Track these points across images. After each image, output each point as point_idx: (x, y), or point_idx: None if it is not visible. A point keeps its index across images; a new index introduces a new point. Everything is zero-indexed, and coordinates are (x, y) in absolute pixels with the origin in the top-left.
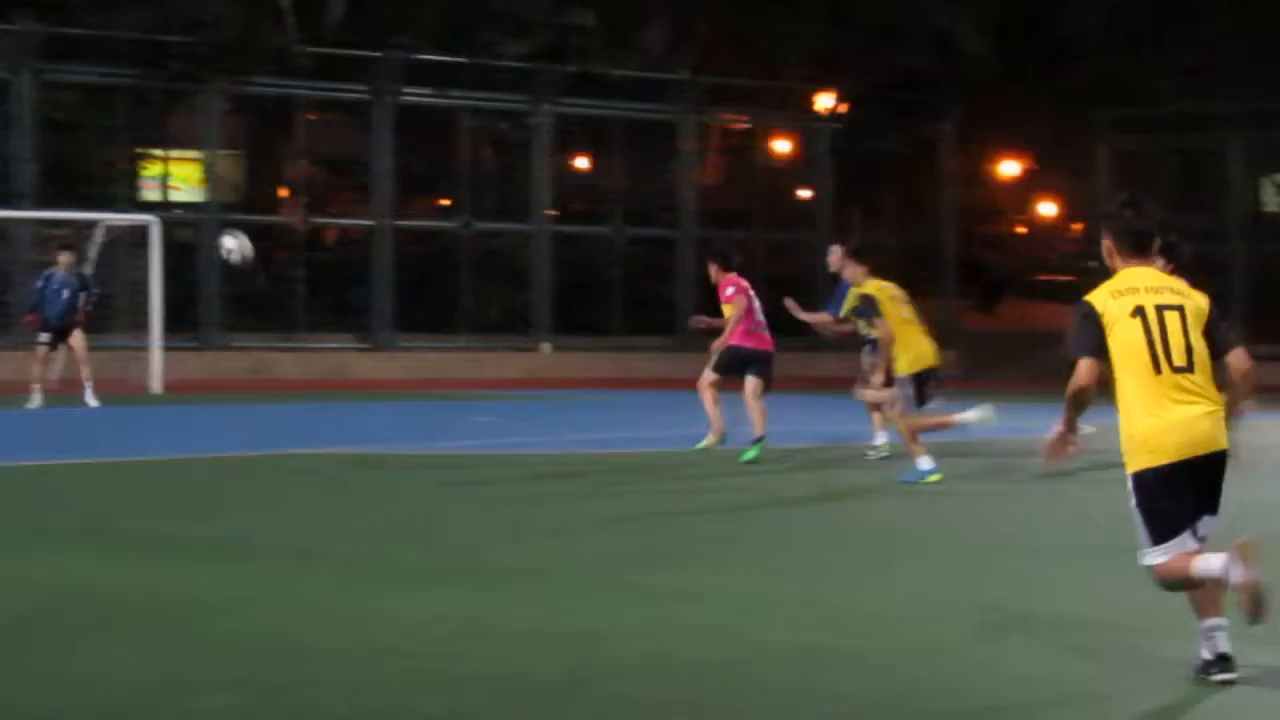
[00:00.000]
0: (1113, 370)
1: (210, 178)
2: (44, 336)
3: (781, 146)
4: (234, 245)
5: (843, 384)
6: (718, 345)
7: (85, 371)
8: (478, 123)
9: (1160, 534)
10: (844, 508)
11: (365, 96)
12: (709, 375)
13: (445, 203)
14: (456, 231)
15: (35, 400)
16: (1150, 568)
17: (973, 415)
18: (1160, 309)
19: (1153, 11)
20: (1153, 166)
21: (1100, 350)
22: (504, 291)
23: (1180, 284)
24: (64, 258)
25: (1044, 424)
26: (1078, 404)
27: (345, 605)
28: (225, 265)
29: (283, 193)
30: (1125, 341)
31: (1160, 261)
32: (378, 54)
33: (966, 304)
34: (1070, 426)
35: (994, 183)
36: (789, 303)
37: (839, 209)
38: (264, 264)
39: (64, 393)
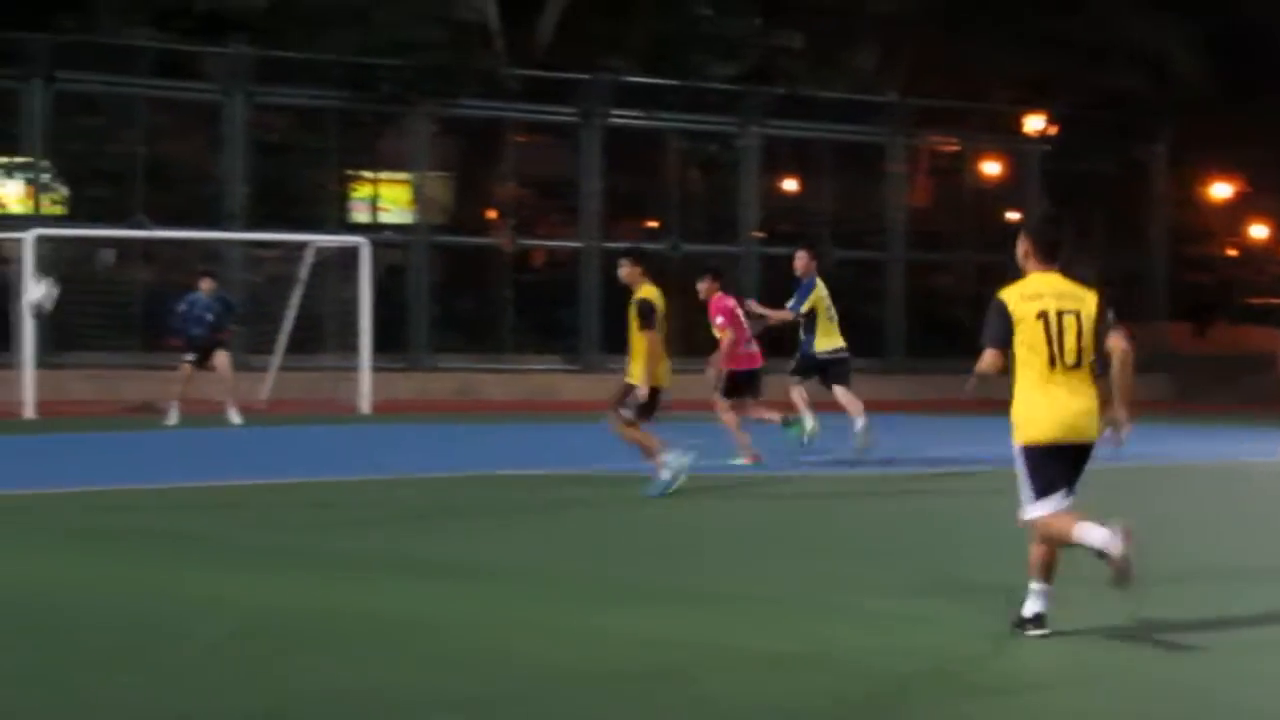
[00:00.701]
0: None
1: (419, 199)
2: (189, 356)
3: (990, 168)
4: (40, 296)
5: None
6: (714, 366)
7: (224, 389)
8: (686, 144)
9: (1040, 489)
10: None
11: (574, 118)
12: (721, 401)
13: (653, 224)
14: (664, 253)
15: (172, 418)
16: (1031, 521)
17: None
18: (1060, 314)
19: None
20: None
21: (1005, 342)
22: None
23: (1078, 289)
24: (205, 284)
25: (1253, 447)
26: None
27: (568, 625)
28: (433, 286)
29: (491, 214)
30: (1029, 338)
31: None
32: (586, 76)
33: (1177, 327)
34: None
35: (1205, 205)
36: (750, 303)
37: None
38: (472, 286)
39: (208, 411)
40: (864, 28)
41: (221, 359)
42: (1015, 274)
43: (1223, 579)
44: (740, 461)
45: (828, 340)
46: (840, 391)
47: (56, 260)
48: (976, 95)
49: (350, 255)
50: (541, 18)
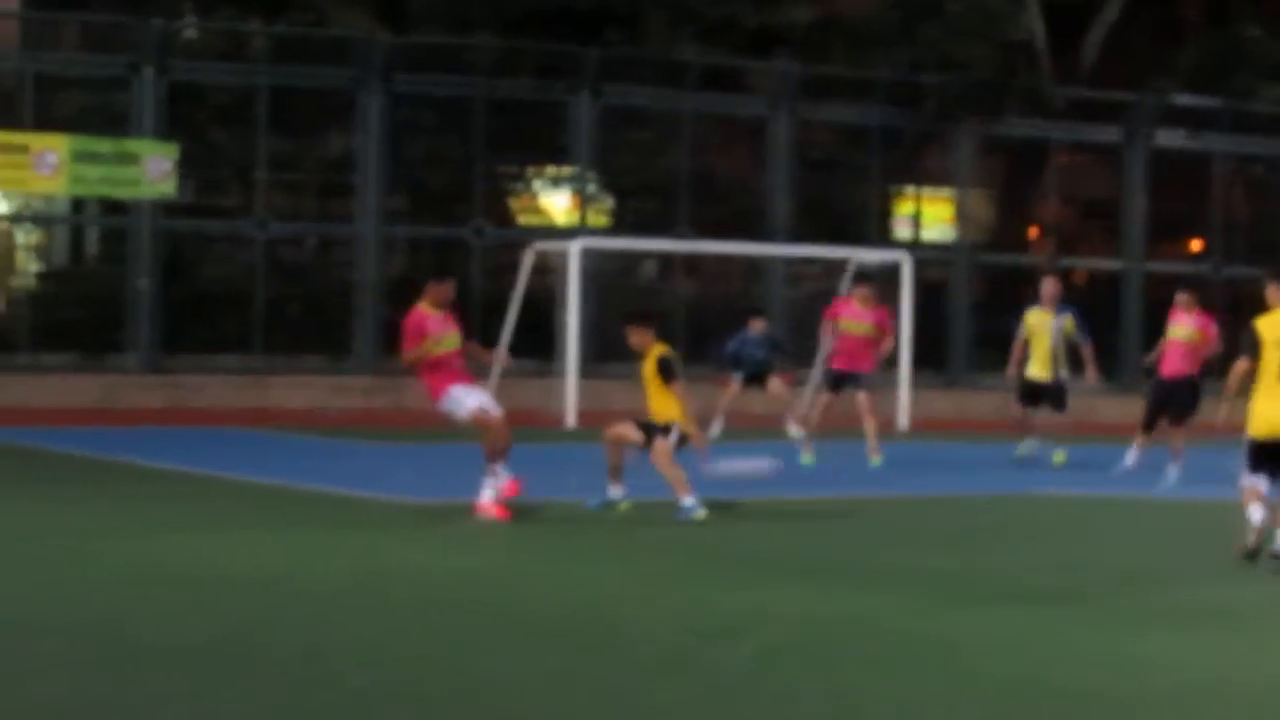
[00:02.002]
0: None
1: (961, 216)
2: (737, 377)
3: None
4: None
5: None
6: None
7: (789, 405)
8: (1232, 166)
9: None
10: None
11: (1118, 139)
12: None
13: (1196, 247)
14: (1205, 276)
15: (715, 430)
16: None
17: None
18: None
19: None
20: None
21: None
22: None
23: None
24: (757, 324)
25: None
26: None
27: (1094, 649)
28: (973, 304)
29: (1033, 233)
30: None
31: None
32: (1132, 96)
33: None
34: None
35: None
36: None
37: None
38: (1013, 304)
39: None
40: None
41: (775, 385)
42: None
43: None
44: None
45: None
46: None
47: (599, 271)
48: None
49: (891, 272)
50: (1087, 37)
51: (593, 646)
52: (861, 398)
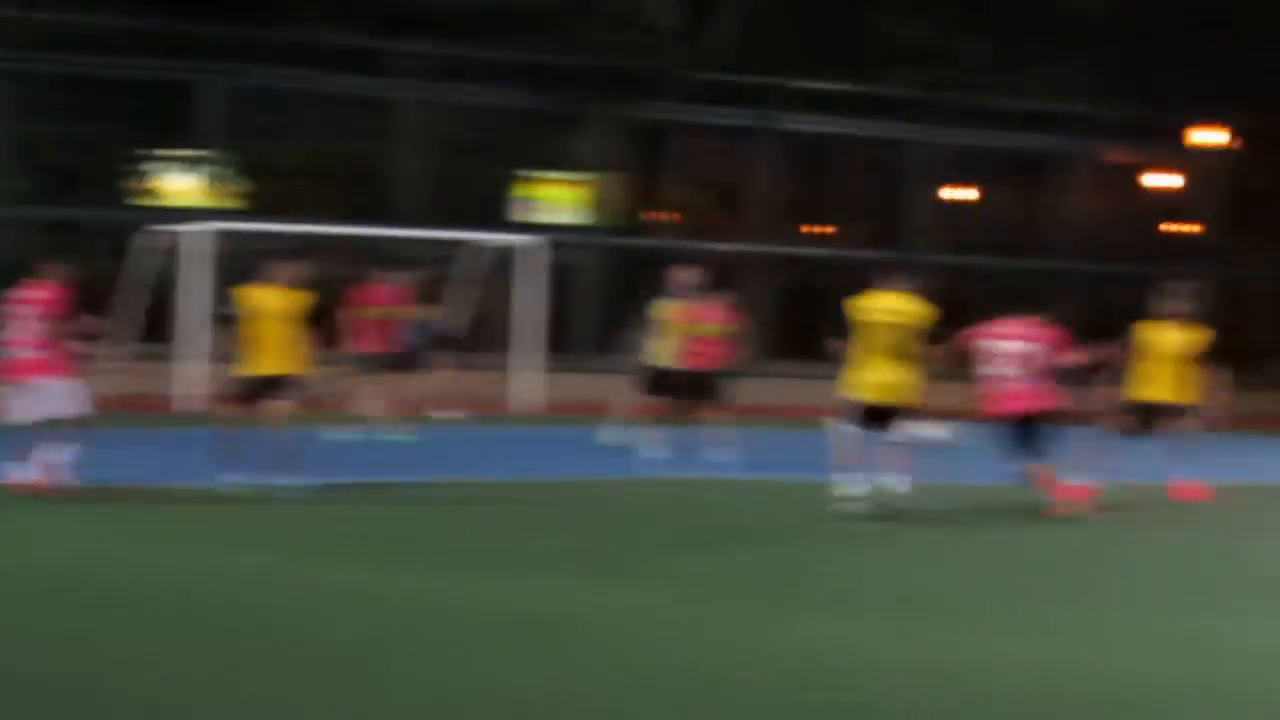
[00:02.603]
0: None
1: (594, 200)
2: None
3: (1168, 180)
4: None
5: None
6: None
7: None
8: (859, 150)
9: None
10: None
11: (748, 122)
12: None
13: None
14: (835, 259)
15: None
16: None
17: None
18: None
19: None
20: None
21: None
22: None
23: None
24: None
25: None
26: None
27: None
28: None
29: (665, 216)
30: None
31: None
32: (762, 81)
33: None
34: None
35: None
36: None
37: (1224, 243)
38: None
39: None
40: (1050, 37)
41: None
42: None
43: None
44: None
45: None
46: None
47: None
48: (1154, 106)
49: (524, 255)
50: (721, 22)
51: (193, 626)
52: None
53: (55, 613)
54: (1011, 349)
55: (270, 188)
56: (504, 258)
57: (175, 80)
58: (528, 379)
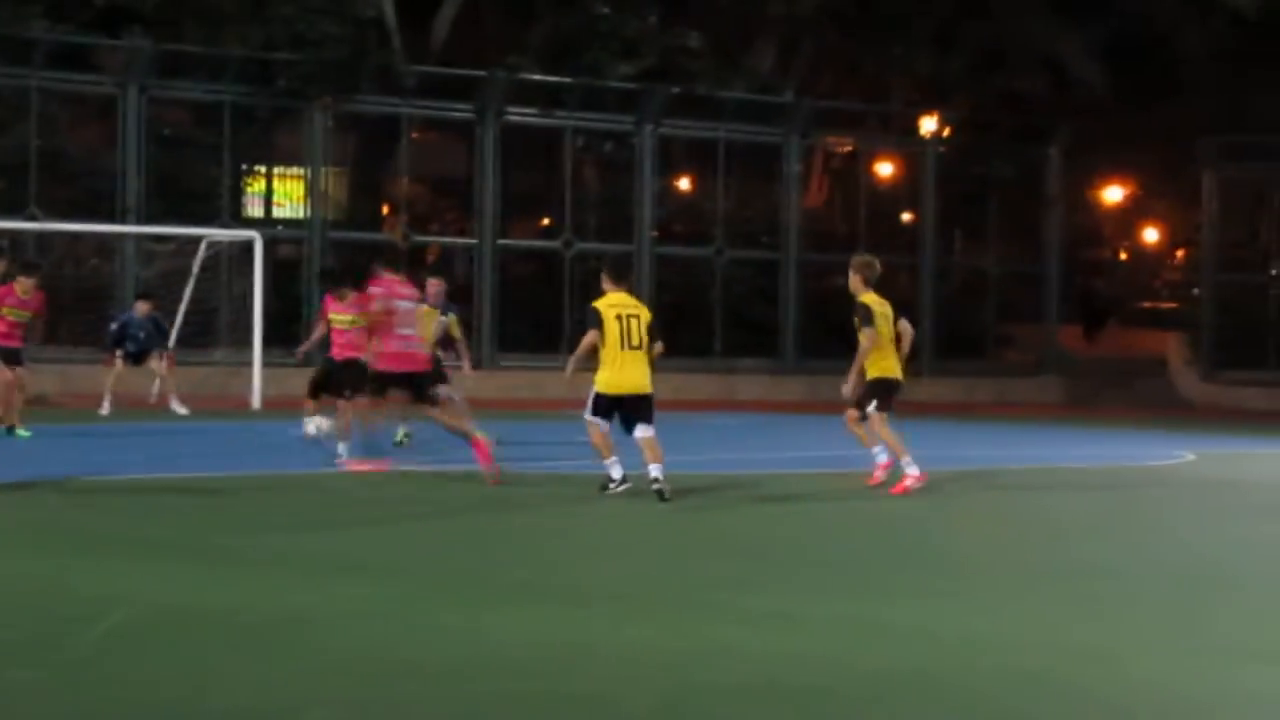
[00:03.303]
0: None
1: (313, 194)
2: (120, 356)
3: (886, 169)
4: None
5: None
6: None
7: (170, 385)
8: (583, 143)
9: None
10: (945, 529)
11: (470, 115)
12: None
13: (547, 223)
14: (558, 250)
15: (105, 409)
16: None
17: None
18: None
19: (1260, 38)
20: (1261, 194)
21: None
22: None
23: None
24: (143, 306)
25: (1144, 450)
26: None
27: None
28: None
29: (386, 209)
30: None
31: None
32: (483, 73)
33: (1069, 330)
34: None
35: (1099, 208)
36: None
37: (943, 232)
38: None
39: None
40: (762, 27)
41: (156, 363)
42: (909, 275)
43: (1108, 576)
44: None
45: None
46: None
47: None
48: (874, 96)
49: (245, 250)
50: (439, 14)
51: None
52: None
53: None
54: None
55: None
56: (226, 252)
57: None
58: (255, 374)
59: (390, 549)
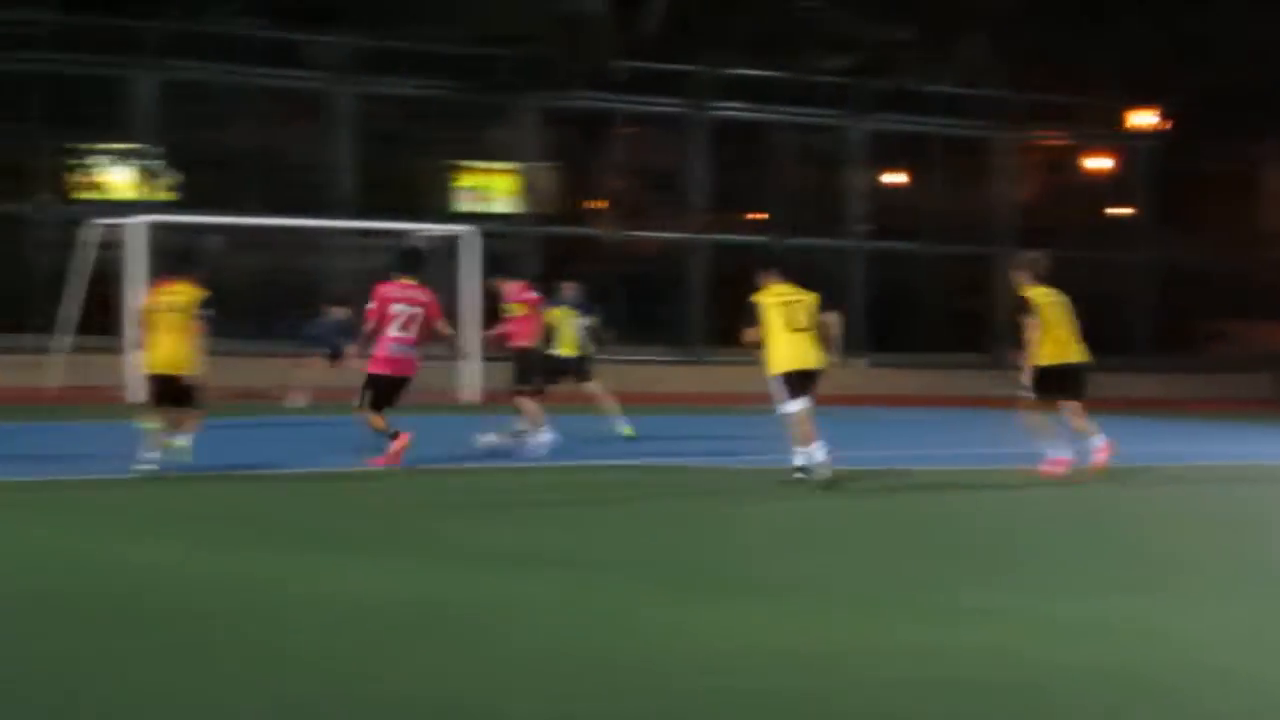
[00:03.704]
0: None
1: (525, 189)
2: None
3: (1097, 163)
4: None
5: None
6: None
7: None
8: (793, 137)
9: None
10: (1151, 524)
11: (679, 110)
12: None
13: (759, 217)
14: (770, 246)
15: (301, 402)
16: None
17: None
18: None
19: None
20: None
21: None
22: None
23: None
24: (337, 311)
25: None
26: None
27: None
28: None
29: (596, 205)
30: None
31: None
32: (692, 68)
33: None
34: None
35: None
36: None
37: (1155, 226)
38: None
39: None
40: (974, 21)
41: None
42: (1126, 270)
43: None
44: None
45: None
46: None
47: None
48: (1086, 90)
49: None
50: (648, 8)
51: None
52: None
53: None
54: None
55: (205, 180)
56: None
57: (108, 76)
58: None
59: (581, 541)
